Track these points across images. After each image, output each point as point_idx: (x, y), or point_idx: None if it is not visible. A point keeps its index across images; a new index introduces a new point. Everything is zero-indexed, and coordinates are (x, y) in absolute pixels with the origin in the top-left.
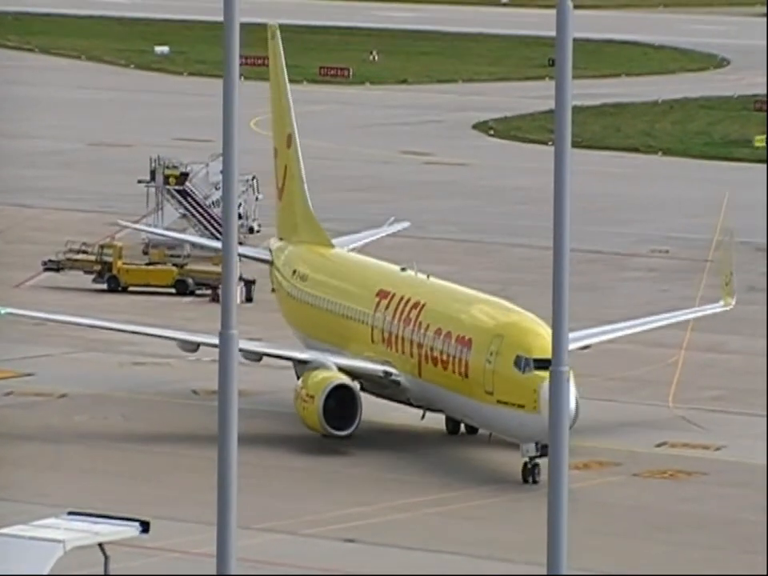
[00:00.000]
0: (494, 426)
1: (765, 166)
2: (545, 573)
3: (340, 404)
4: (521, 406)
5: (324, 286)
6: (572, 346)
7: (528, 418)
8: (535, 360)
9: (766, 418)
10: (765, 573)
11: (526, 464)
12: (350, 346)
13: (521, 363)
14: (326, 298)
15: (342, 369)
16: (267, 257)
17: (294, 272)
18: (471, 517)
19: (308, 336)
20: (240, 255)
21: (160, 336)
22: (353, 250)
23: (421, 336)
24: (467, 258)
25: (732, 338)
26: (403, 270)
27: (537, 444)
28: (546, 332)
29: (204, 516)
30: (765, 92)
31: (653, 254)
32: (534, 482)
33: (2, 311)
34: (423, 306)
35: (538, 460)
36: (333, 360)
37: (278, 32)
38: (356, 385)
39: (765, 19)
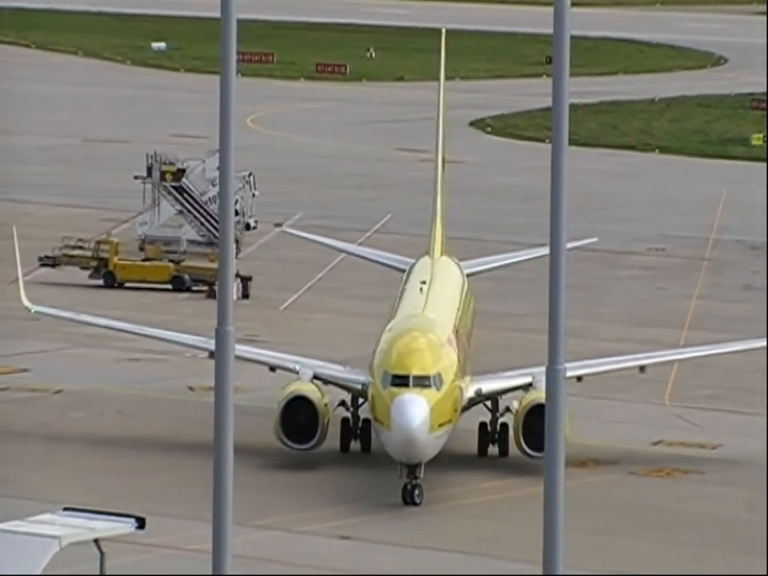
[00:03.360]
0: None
1: (761, 164)
2: (541, 571)
3: (308, 418)
4: (382, 423)
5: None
6: (627, 364)
7: (385, 435)
8: (394, 376)
9: (766, 417)
10: (763, 573)
11: (405, 485)
12: None
13: (385, 380)
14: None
15: (323, 378)
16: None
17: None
18: (469, 514)
19: None
20: (387, 265)
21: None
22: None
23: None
24: (463, 256)
25: (728, 337)
26: (423, 283)
27: (404, 466)
28: (427, 351)
29: (199, 513)
30: (761, 90)
31: (649, 252)
32: (414, 503)
33: (32, 309)
34: (390, 319)
35: (418, 480)
36: (325, 371)
37: (443, 36)
38: (320, 399)
39: (762, 17)
